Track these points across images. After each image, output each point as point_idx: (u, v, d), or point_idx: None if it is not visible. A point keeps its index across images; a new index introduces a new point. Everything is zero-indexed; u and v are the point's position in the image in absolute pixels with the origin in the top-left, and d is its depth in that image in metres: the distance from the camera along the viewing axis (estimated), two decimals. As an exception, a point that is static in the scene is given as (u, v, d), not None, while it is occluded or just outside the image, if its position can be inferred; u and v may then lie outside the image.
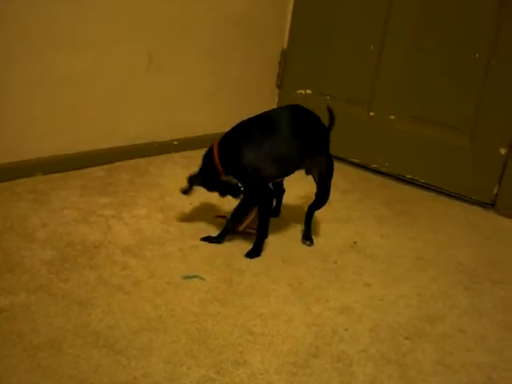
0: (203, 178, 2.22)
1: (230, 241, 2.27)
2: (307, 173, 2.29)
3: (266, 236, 2.24)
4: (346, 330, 1.82)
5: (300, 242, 2.34)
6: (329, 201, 2.43)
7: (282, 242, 2.34)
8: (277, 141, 2.13)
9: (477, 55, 2.91)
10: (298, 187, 2.71)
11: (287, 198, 2.56)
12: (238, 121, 2.22)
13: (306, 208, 2.43)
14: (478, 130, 2.97)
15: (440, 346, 1.80)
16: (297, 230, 2.42)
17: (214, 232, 2.30)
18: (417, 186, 3.17)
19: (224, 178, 2.19)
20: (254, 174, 2.13)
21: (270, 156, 2.12)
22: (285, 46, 3.62)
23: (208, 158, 2.20)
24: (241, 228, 2.32)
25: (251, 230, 2.30)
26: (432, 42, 3.06)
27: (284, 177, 2.27)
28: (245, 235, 2.30)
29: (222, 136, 2.20)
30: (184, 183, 2.39)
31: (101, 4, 2.63)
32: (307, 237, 2.35)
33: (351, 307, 1.94)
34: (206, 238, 2.25)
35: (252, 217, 2.30)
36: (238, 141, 2.15)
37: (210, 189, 2.28)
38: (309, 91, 3.52)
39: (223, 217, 2.38)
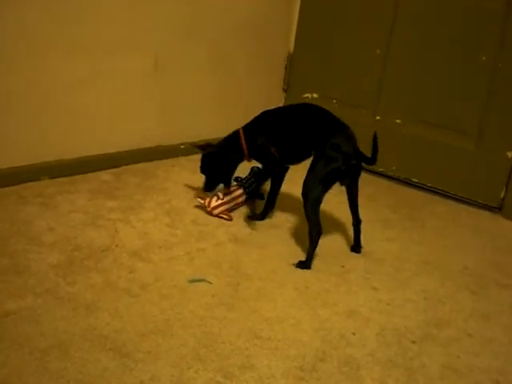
0: (225, 155, 2.47)
1: (237, 246, 2.28)
2: None
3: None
4: (353, 333, 1.81)
5: (306, 245, 2.34)
6: (334, 204, 2.46)
7: (289, 246, 2.34)
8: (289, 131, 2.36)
9: (483, 58, 2.91)
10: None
11: (293, 203, 2.57)
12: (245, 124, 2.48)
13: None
14: (485, 133, 2.97)
15: (447, 350, 1.80)
16: (303, 234, 2.42)
17: (221, 236, 2.32)
18: (423, 190, 3.17)
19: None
20: (270, 156, 2.38)
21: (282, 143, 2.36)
22: (291, 50, 3.63)
23: (234, 141, 2.46)
24: (215, 212, 2.47)
25: (224, 216, 2.48)
26: (438, 46, 3.06)
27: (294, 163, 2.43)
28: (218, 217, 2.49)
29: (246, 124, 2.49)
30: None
31: (106, 10, 2.65)
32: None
33: (358, 311, 1.94)
34: (250, 216, 2.53)
35: (226, 206, 2.49)
36: (259, 128, 2.44)
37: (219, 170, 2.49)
38: (315, 95, 3.53)
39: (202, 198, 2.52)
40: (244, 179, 2.65)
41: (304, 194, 2.21)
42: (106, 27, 2.66)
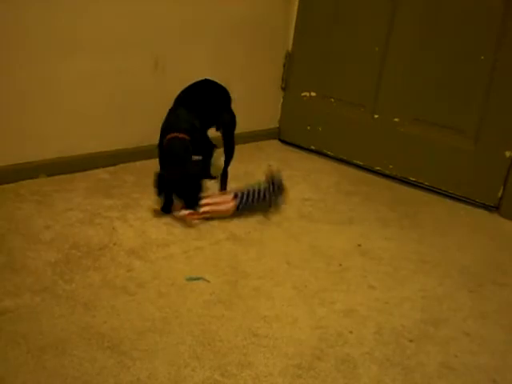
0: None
1: (235, 244, 2.28)
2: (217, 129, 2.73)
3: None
4: (351, 332, 1.81)
5: (304, 244, 2.34)
6: (332, 203, 2.47)
7: (287, 244, 2.34)
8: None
9: (482, 57, 2.91)
10: (300, 190, 2.71)
11: (291, 201, 2.57)
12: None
13: (309, 210, 2.44)
14: (483, 132, 2.97)
15: (444, 349, 1.80)
16: (301, 233, 2.42)
17: (219, 234, 2.32)
18: (421, 189, 3.17)
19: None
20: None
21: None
22: (289, 49, 3.62)
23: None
24: (193, 218, 2.37)
25: (207, 215, 2.39)
26: (436, 45, 3.05)
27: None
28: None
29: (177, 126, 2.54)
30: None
31: (106, 8, 2.64)
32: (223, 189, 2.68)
33: (356, 310, 1.94)
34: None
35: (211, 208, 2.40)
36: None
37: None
38: (313, 93, 3.52)
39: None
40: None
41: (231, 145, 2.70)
42: (106, 26, 2.66)
